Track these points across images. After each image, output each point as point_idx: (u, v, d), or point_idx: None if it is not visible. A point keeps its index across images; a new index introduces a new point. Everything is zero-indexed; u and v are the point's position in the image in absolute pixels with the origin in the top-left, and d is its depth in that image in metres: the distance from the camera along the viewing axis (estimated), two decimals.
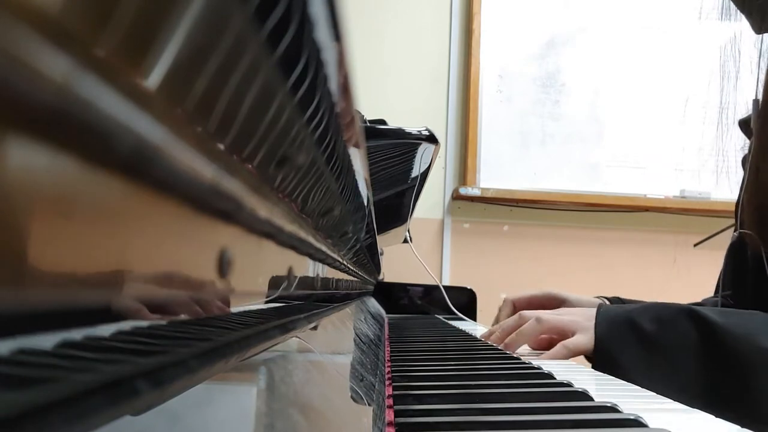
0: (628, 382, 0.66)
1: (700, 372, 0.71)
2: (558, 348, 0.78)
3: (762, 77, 0.91)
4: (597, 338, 0.77)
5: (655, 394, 0.52)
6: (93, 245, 0.11)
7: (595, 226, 2.22)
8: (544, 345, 0.84)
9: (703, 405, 0.68)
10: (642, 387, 0.57)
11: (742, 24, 0.94)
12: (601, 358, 0.75)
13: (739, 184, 0.98)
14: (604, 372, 0.72)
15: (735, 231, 0.95)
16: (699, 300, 1.04)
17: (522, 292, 1.05)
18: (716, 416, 0.44)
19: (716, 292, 1.02)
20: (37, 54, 0.08)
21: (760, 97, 0.91)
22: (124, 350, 0.14)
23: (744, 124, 1.01)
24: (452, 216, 2.19)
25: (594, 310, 0.81)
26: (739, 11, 0.93)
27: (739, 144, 1.04)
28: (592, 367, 0.77)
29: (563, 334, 0.80)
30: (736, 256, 0.95)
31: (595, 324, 0.78)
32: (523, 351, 0.83)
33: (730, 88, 0.99)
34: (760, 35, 0.93)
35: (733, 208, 0.98)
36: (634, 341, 0.75)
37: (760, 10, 0.89)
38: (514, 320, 0.84)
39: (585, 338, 0.77)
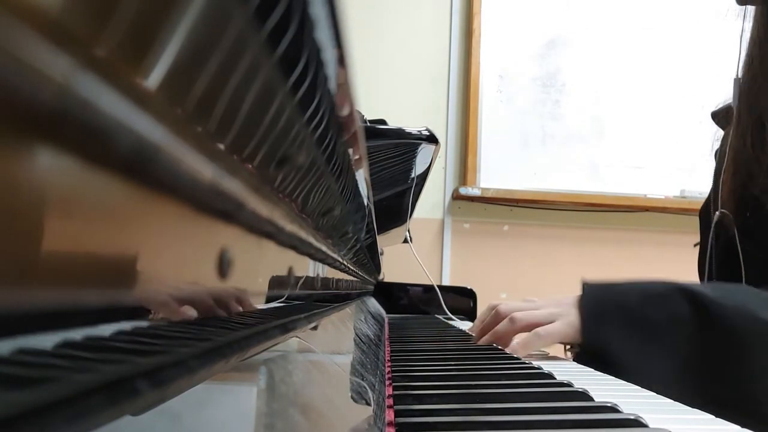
0: (617, 364, 0.64)
1: (696, 349, 0.68)
2: (530, 336, 0.73)
3: (743, 55, 0.88)
4: (583, 321, 0.72)
5: (655, 394, 0.52)
6: (93, 245, 0.11)
7: (595, 226, 2.22)
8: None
9: (698, 383, 0.66)
10: (633, 369, 0.55)
11: (748, 23, 0.92)
12: (589, 342, 0.72)
13: (713, 174, 0.98)
14: (591, 357, 0.69)
15: (716, 211, 0.93)
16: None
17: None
18: (713, 395, 0.43)
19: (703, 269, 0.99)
20: (37, 54, 0.08)
21: (740, 75, 0.88)
22: (124, 350, 0.14)
23: (716, 116, 1.00)
24: (452, 216, 2.19)
25: (567, 297, 0.77)
26: None
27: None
28: (574, 357, 0.74)
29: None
30: (719, 236, 0.94)
31: (580, 307, 0.74)
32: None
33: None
34: (743, 7, 0.90)
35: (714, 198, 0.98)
36: (624, 321, 0.71)
37: None
38: (491, 318, 0.82)
39: (560, 325, 0.73)
